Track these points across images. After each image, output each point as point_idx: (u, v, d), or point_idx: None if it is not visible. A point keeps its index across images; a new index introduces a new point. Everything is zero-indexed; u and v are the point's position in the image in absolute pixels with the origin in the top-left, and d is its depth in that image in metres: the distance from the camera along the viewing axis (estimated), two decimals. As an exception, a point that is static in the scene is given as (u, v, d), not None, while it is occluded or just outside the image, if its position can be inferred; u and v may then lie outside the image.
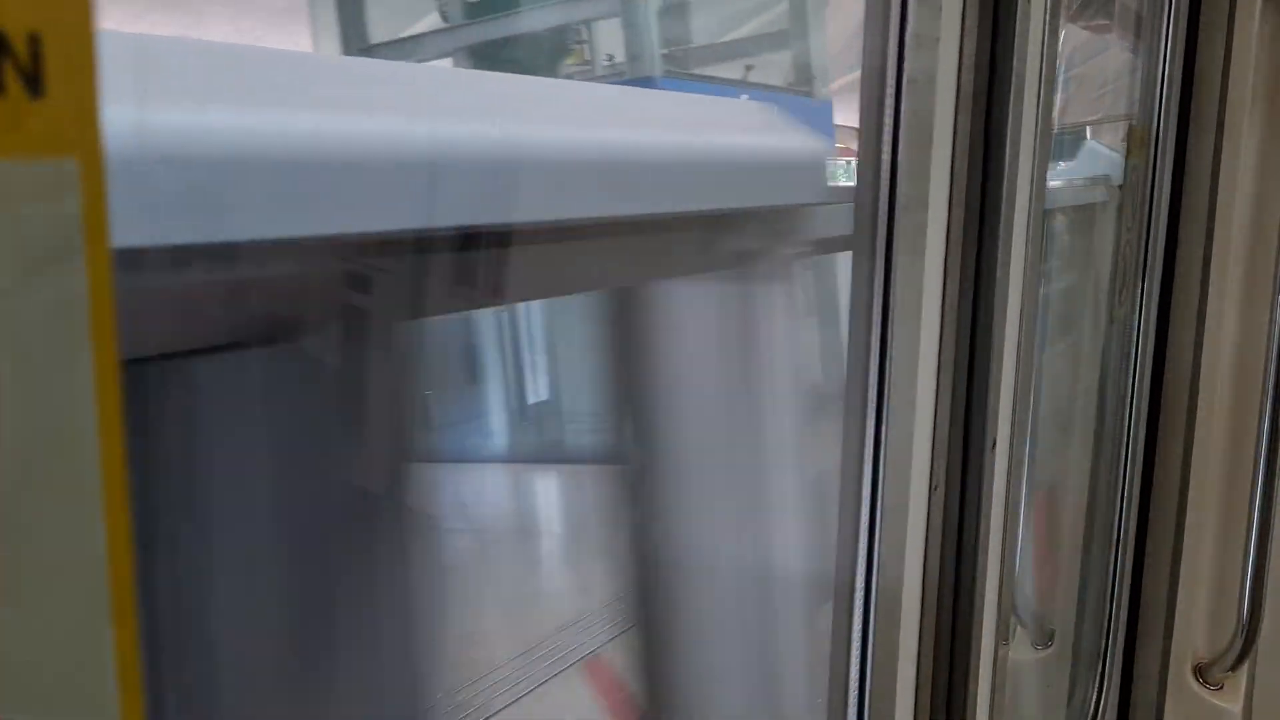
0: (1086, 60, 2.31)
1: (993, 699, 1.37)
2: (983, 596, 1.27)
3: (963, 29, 1.01)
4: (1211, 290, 2.05)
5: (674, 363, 1.34)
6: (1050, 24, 1.12)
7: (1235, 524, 2.13)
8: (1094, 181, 2.42)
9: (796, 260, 1.54)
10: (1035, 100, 1.14)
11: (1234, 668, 2.17)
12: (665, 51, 5.38)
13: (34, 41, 0.34)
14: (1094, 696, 2.23)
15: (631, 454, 1.42)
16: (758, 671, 1.49)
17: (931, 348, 1.12)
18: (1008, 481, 1.29)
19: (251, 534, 0.75)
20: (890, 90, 0.96)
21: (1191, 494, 2.14)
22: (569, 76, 5.11)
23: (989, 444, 1.22)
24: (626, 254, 1.18)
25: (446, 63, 4.88)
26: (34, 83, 0.34)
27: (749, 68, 6.25)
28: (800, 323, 1.60)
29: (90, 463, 0.38)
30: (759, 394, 1.44)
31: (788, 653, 1.50)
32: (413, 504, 0.88)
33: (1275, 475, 2.05)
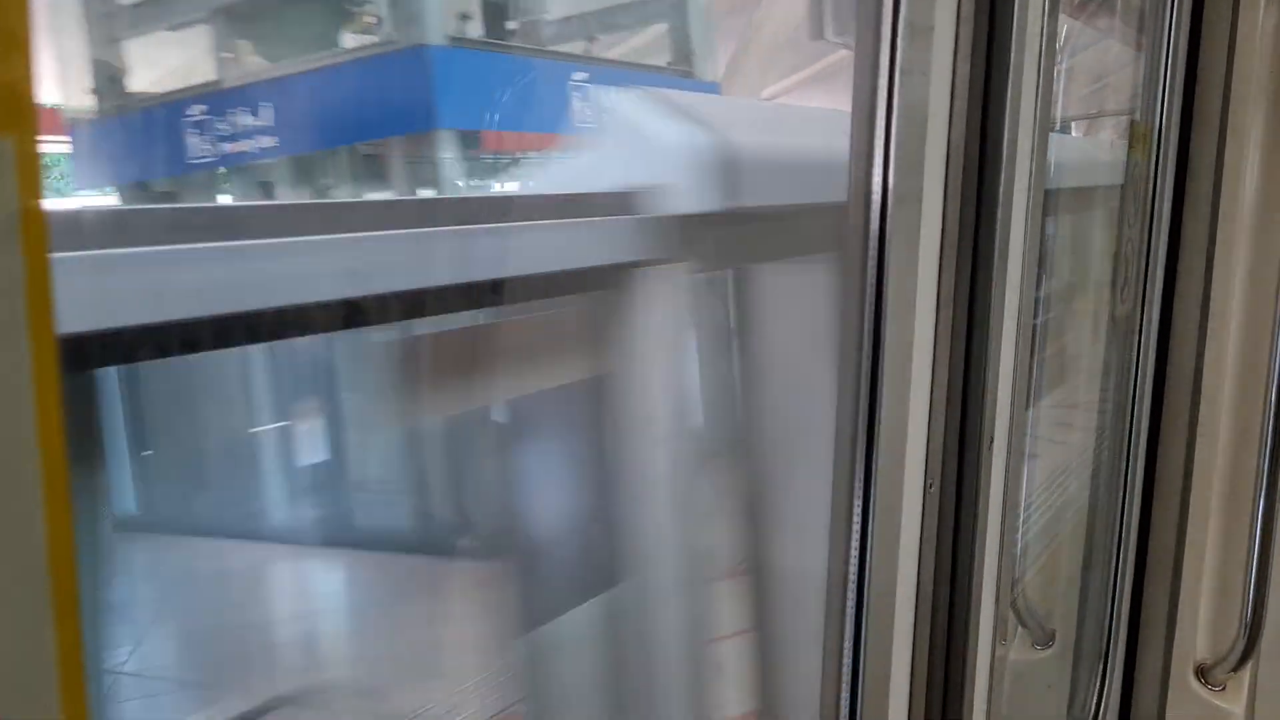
0: (1076, 54, 2.29)
1: (990, 699, 1.35)
2: (979, 596, 1.25)
3: (958, 17, 0.99)
4: (1215, 288, 2.03)
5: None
6: (1050, 11, 1.10)
7: (1238, 524, 2.11)
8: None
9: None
10: (1034, 91, 1.12)
11: (1236, 669, 2.15)
12: (514, 25, 4.91)
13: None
14: (1095, 697, 2.21)
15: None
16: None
17: (926, 344, 1.10)
18: (1005, 480, 1.27)
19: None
20: (883, 80, 0.95)
21: (1194, 493, 2.13)
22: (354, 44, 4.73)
23: (986, 442, 1.20)
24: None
25: (204, 28, 4.61)
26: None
27: (594, 41, 5.46)
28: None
29: (28, 450, 0.37)
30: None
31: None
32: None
33: (1279, 474, 2.03)
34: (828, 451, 1.06)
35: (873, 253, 1.00)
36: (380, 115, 4.53)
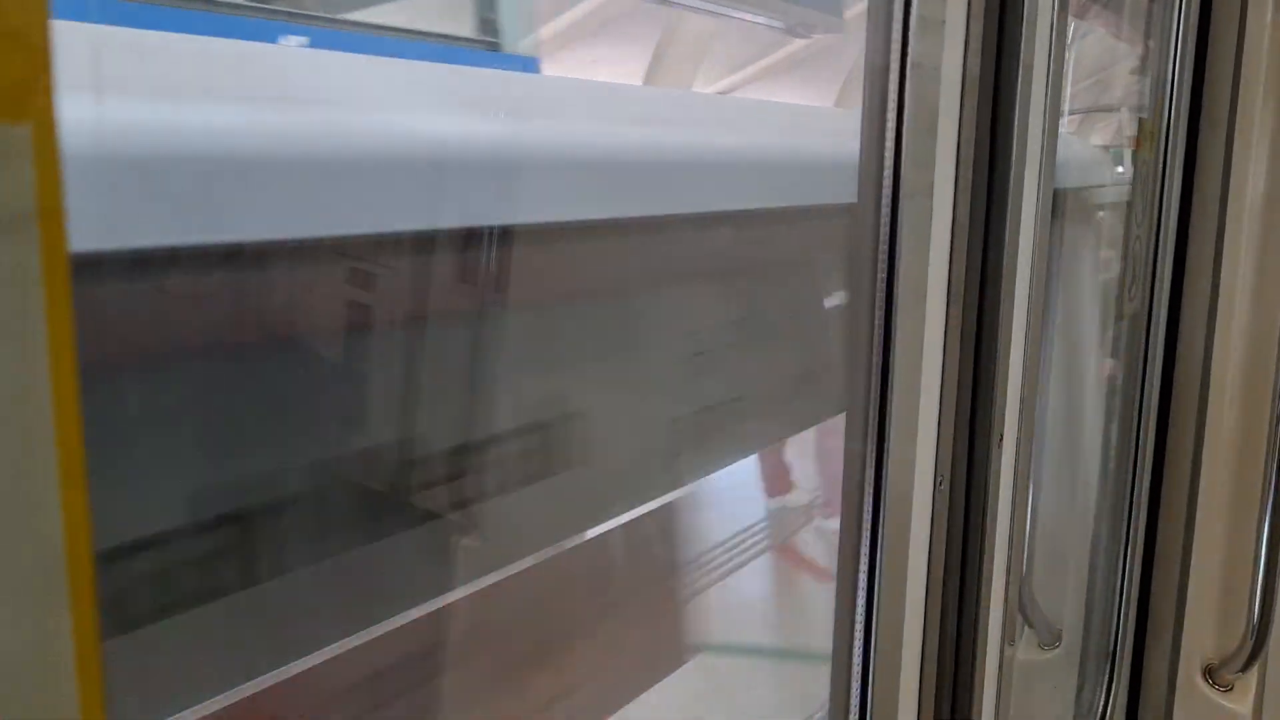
0: (1082, 52, 2.29)
1: (999, 699, 1.35)
2: (989, 594, 1.25)
3: (969, 12, 0.99)
4: (1223, 287, 2.03)
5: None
6: (1060, 6, 1.10)
7: (1246, 523, 2.10)
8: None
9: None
10: (1044, 87, 1.12)
11: (1244, 669, 2.15)
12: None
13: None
14: (1102, 697, 2.21)
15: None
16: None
17: (937, 339, 1.10)
18: (1015, 477, 1.27)
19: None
20: (894, 75, 0.94)
21: (1202, 493, 2.12)
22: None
23: (996, 438, 1.20)
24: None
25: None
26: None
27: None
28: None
29: (45, 438, 0.37)
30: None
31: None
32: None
33: (1287, 474, 2.03)
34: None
35: (883, 248, 1.00)
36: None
